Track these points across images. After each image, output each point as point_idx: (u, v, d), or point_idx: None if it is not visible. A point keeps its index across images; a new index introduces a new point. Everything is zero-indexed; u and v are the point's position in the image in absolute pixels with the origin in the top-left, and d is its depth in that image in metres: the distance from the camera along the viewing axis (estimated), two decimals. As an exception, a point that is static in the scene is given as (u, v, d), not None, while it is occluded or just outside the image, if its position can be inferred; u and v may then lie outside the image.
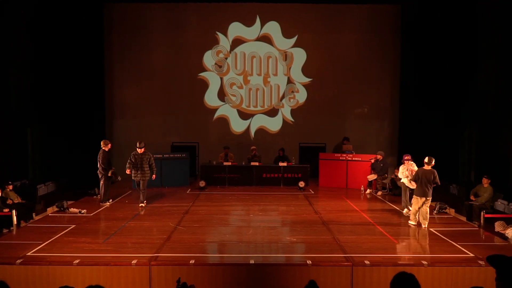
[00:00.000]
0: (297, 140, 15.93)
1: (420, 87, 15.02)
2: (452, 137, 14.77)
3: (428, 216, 9.09)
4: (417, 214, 9.14)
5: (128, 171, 10.95)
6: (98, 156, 10.97)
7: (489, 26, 13.55)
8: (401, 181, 10.24)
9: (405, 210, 10.22)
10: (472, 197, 10.25)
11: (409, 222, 9.28)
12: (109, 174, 11.16)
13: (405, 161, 10.17)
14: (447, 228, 9.01)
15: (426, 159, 9.07)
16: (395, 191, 12.44)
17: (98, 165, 10.96)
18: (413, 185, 9.43)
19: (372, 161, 12.79)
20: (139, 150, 10.92)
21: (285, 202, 11.72)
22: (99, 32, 15.36)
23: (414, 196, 9.19)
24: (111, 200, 11.29)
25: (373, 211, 10.75)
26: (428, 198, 9.01)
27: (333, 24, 16.33)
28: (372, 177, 12.81)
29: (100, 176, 11.03)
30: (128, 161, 10.97)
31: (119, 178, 12.60)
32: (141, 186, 11.01)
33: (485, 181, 10.28)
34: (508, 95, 12.28)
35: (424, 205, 9.03)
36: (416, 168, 9.66)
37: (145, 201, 11.04)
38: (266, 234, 8.53)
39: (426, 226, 9.02)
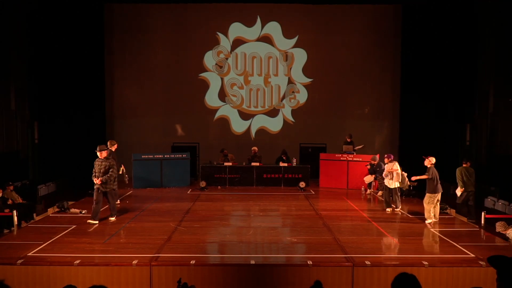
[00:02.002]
0: (297, 141, 15.91)
1: (420, 87, 15.02)
2: (452, 137, 14.78)
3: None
4: (432, 211, 9.36)
5: (97, 181, 9.07)
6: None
7: (489, 26, 13.58)
8: (392, 184, 10.27)
9: (389, 209, 10.43)
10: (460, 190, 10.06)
11: (427, 221, 9.35)
12: (120, 172, 10.62)
13: (393, 160, 10.46)
14: (447, 229, 9.02)
15: (433, 160, 9.49)
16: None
17: None
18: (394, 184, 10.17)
19: (368, 166, 12.80)
20: (99, 154, 9.16)
21: (286, 202, 11.73)
22: (99, 32, 15.35)
23: (429, 195, 9.37)
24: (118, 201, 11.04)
25: (374, 211, 10.76)
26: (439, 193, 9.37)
27: (333, 24, 16.32)
28: (368, 179, 12.78)
29: None
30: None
31: (126, 177, 11.93)
32: (108, 197, 9.32)
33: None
34: (508, 95, 12.29)
35: (437, 203, 9.35)
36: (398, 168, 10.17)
37: (115, 216, 9.50)
38: (266, 235, 8.53)
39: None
